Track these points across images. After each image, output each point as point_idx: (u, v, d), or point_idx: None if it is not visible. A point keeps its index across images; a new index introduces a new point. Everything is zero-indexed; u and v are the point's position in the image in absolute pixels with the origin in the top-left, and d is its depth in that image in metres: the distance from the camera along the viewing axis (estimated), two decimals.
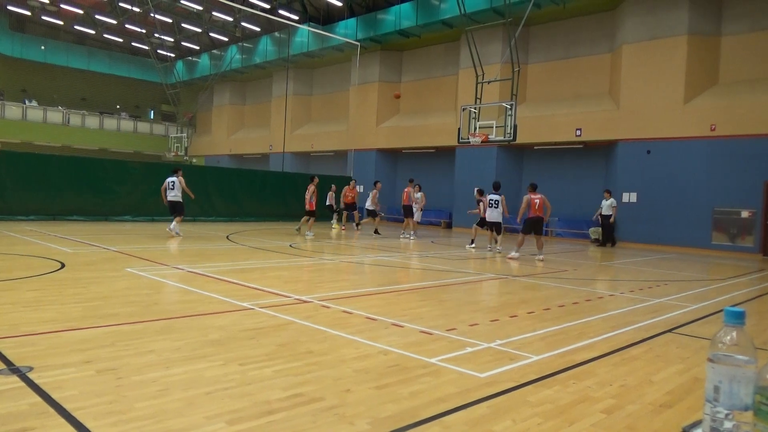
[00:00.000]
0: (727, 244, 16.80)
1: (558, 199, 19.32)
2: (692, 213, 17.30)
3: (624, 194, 18.73)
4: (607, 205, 17.70)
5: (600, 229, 18.36)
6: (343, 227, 19.67)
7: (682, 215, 17.49)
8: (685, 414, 3.38)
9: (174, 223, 13.85)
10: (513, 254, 12.47)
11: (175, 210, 14.02)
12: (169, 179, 14.03)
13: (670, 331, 5.77)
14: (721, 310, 6.82)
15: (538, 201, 12.45)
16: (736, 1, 17.46)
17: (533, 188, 12.69)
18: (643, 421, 3.22)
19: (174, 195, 13.92)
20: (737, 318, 1.34)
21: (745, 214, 16.45)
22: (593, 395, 3.62)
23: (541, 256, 12.30)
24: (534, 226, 12.49)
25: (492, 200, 13.84)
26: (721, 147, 16.77)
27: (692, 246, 17.23)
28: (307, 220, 16.11)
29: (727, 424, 1.30)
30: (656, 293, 8.36)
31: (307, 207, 15.99)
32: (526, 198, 12.55)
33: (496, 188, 13.95)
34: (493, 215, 13.81)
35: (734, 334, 1.33)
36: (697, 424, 1.43)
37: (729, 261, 14.84)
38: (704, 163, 17.11)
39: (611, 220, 17.73)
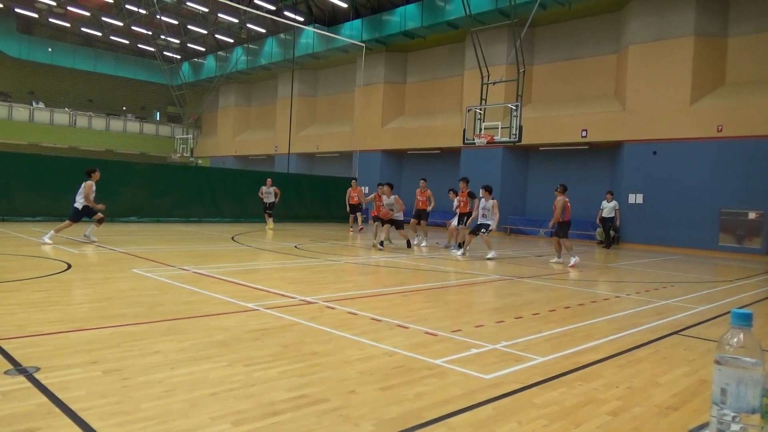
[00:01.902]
0: (734, 245, 16.70)
1: None
2: (699, 214, 17.20)
3: (630, 195, 18.65)
4: (610, 207, 17.24)
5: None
6: (351, 229, 18.99)
7: (689, 216, 17.39)
8: (692, 416, 3.36)
9: (91, 227, 11.74)
10: (574, 260, 11.76)
11: (76, 216, 11.41)
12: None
13: (676, 333, 5.74)
14: (728, 312, 6.78)
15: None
16: (743, 2, 17.38)
17: (565, 189, 12.10)
18: (649, 424, 3.20)
19: (78, 201, 11.43)
20: (744, 320, 1.33)
21: (752, 215, 16.35)
22: (599, 397, 3.60)
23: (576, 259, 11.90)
24: (568, 228, 12.12)
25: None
26: (728, 148, 16.68)
27: (699, 247, 17.14)
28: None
29: (734, 427, 1.29)
30: (662, 295, 8.32)
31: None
32: (562, 200, 11.78)
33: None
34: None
35: (741, 336, 1.32)
36: (704, 426, 1.42)
37: (736, 263, 14.75)
38: (711, 164, 17.03)
39: (617, 222, 17.41)
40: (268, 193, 18.23)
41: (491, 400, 3.43)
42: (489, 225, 12.66)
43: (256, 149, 35.52)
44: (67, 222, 11.49)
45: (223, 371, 3.73)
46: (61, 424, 2.76)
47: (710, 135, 17.04)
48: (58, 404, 3.01)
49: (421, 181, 15.52)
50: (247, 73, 35.22)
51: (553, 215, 12.03)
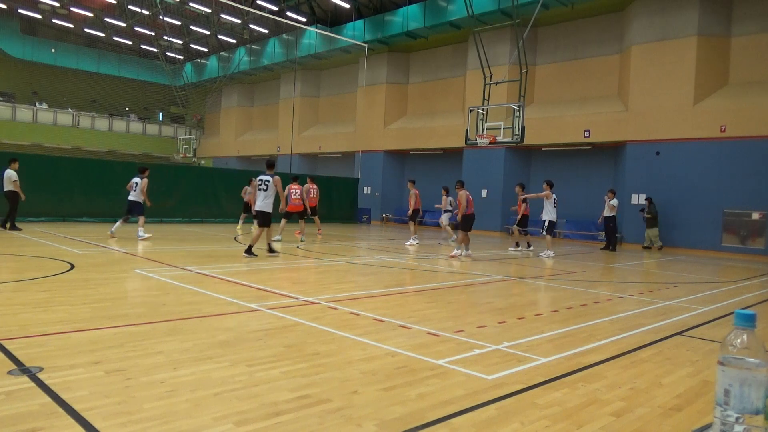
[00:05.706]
0: (737, 246, 16.65)
1: (566, 201, 19.24)
2: (702, 215, 17.15)
3: (633, 196, 18.61)
4: (608, 206, 16.60)
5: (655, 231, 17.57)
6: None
7: (692, 217, 17.35)
8: (695, 417, 3.35)
9: None
10: (457, 252, 12.58)
11: None
12: None
13: (679, 333, 5.73)
14: (731, 313, 6.76)
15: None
16: (746, 1, 17.33)
17: (463, 184, 13.07)
18: (652, 425, 3.20)
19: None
20: (748, 321, 1.32)
21: (755, 215, 16.30)
22: (602, 398, 3.60)
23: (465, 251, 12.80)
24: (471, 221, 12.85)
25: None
26: (731, 148, 16.64)
27: (702, 248, 17.09)
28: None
29: (738, 428, 1.28)
30: (665, 295, 8.30)
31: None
32: (465, 194, 12.62)
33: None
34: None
35: (745, 336, 1.31)
36: (708, 427, 1.41)
37: (739, 263, 14.71)
38: (714, 165, 16.98)
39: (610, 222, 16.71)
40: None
41: (494, 401, 3.43)
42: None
43: (258, 149, 35.56)
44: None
45: (226, 371, 3.73)
46: (65, 424, 2.76)
47: (713, 135, 16.99)
48: (62, 404, 3.01)
49: (409, 183, 16.48)
50: (249, 74, 35.26)
51: (459, 209, 12.91)
